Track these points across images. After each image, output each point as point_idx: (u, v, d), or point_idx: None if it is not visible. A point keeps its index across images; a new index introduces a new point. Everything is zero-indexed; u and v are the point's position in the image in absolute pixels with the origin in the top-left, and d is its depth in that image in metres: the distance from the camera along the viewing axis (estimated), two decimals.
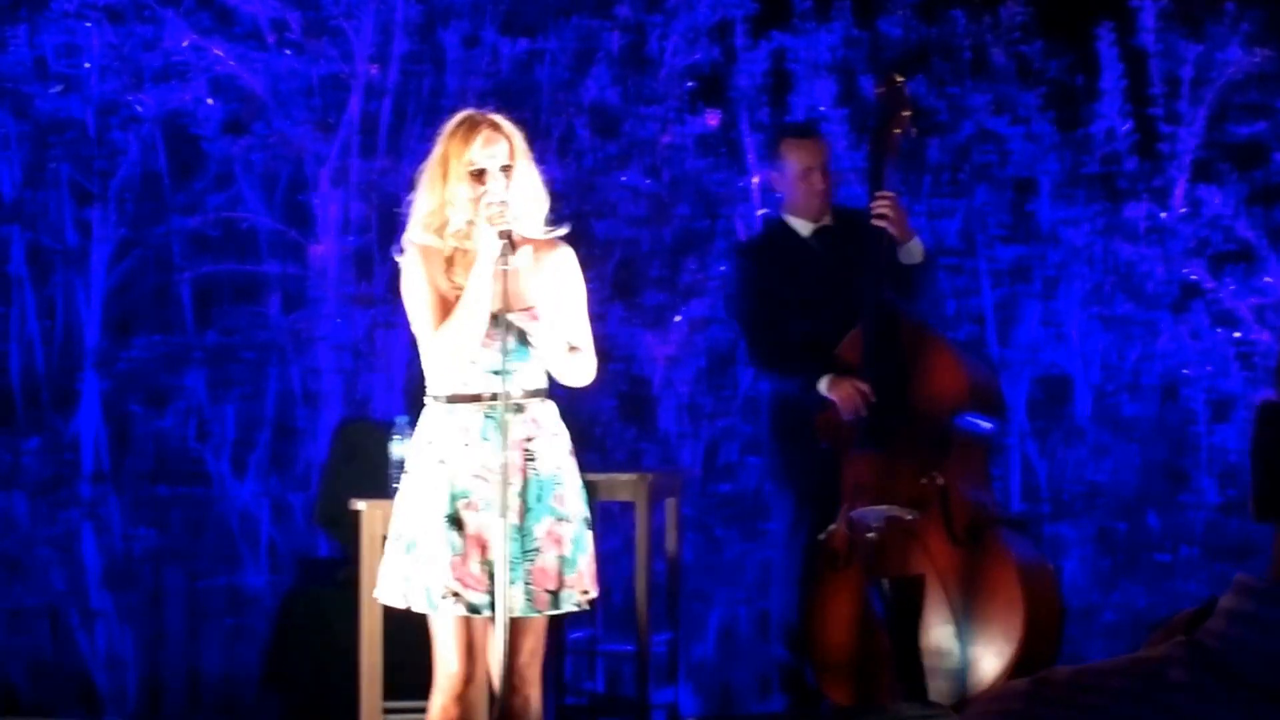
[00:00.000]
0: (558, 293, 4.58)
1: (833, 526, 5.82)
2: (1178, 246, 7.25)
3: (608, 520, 7.00)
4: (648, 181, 7.44)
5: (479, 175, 4.46)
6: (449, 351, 4.44)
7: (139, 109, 7.14)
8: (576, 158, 7.41)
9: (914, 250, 5.92)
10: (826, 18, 7.47)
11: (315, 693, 6.14)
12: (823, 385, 5.86)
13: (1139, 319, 7.26)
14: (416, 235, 4.54)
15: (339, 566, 6.19)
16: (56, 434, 7.07)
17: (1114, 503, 7.21)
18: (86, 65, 7.15)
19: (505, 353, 4.43)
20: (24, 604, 6.99)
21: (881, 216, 5.82)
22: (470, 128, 4.50)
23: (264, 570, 7.13)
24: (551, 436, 4.54)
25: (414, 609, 4.47)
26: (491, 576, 4.38)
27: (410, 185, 6.97)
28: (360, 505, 5.36)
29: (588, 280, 7.22)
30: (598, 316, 7.31)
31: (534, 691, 4.57)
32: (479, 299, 4.40)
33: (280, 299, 7.21)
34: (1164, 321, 7.24)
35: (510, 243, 4.39)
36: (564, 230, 4.64)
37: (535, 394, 4.53)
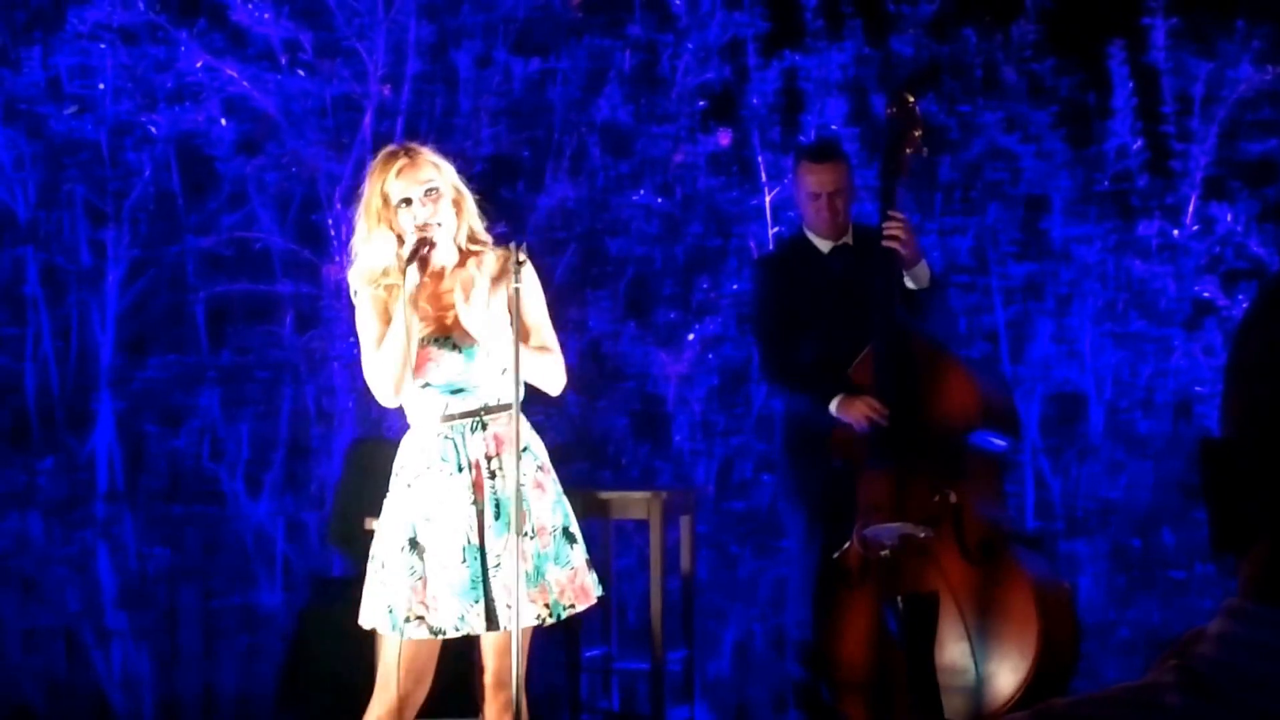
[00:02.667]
0: (522, 300, 4.48)
1: (847, 544, 5.82)
2: (1190, 264, 7.25)
3: (622, 538, 7.00)
4: (660, 200, 7.45)
5: (405, 204, 4.44)
6: (377, 374, 4.44)
7: (153, 130, 7.15)
8: (589, 176, 7.42)
9: (920, 275, 5.92)
10: (838, 36, 7.47)
11: (331, 711, 6.13)
12: (833, 407, 5.86)
13: (1152, 336, 7.25)
14: (356, 283, 4.54)
15: (353, 585, 6.19)
16: (71, 454, 7.08)
17: (1128, 520, 7.19)
18: (100, 86, 7.16)
19: (461, 373, 4.45)
20: (40, 623, 6.99)
21: (893, 238, 5.82)
22: (385, 162, 4.48)
23: (279, 589, 7.14)
24: (518, 453, 4.48)
25: (380, 632, 4.47)
26: (467, 593, 4.40)
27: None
28: (374, 524, 5.36)
29: (600, 299, 7.31)
30: (611, 335, 7.35)
31: (523, 702, 4.58)
32: (394, 332, 4.39)
33: (294, 318, 7.21)
34: (1177, 338, 7.23)
35: (424, 260, 4.38)
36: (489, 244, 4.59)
37: (495, 410, 4.50)
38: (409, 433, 4.55)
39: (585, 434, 7.28)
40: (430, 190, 4.44)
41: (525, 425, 4.53)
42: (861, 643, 5.75)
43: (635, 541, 6.99)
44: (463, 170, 7.08)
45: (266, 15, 7.17)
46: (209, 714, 7.04)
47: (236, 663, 7.05)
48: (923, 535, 5.65)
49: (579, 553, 4.58)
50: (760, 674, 7.21)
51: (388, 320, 4.47)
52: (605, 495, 6.55)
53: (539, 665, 6.62)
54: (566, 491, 6.73)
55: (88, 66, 7.17)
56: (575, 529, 4.59)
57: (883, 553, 5.67)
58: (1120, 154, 7.37)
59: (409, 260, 4.36)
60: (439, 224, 4.44)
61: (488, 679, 4.53)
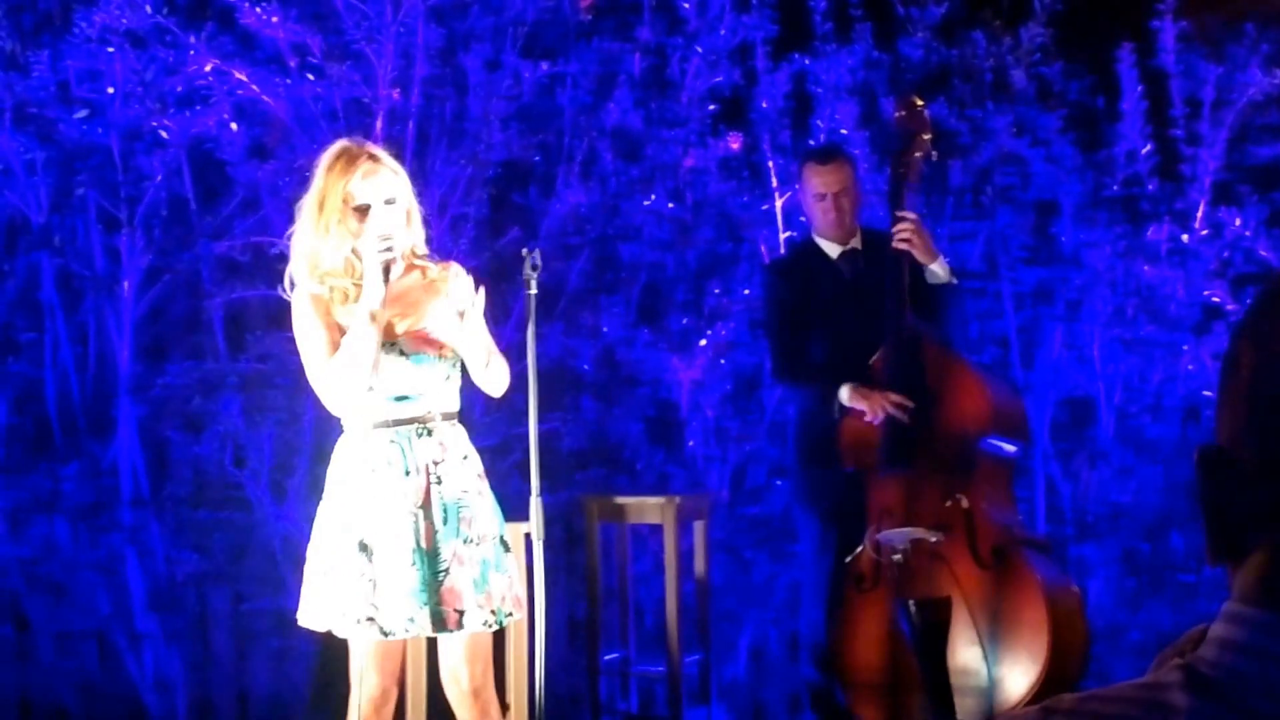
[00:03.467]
0: (461, 309, 4.50)
1: (859, 549, 5.85)
2: (1199, 268, 7.26)
3: (638, 542, 7.02)
4: (671, 205, 7.44)
5: (361, 211, 4.44)
6: (341, 383, 4.44)
7: (164, 134, 7.12)
8: (600, 181, 7.42)
9: (940, 271, 5.94)
10: (847, 40, 7.48)
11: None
12: (844, 394, 5.89)
13: (1161, 341, 7.26)
14: (301, 278, 4.53)
15: None
16: (95, 460, 7.08)
17: (1138, 524, 7.21)
18: (110, 90, 7.14)
19: (407, 379, 4.47)
20: (72, 627, 7.00)
21: (905, 240, 5.84)
22: (349, 163, 4.46)
23: None
24: (460, 460, 4.54)
25: (335, 633, 4.50)
26: (416, 594, 4.42)
27: (441, 208, 7.05)
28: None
29: (614, 305, 7.31)
30: (625, 341, 7.35)
31: (494, 709, 4.62)
32: (367, 332, 4.39)
33: None
34: (1186, 343, 7.25)
35: (386, 274, 4.39)
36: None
37: (442, 417, 4.53)
38: (345, 435, 4.57)
39: (601, 440, 7.29)
40: (390, 200, 4.45)
41: (463, 434, 4.57)
42: (875, 646, 5.78)
43: (650, 546, 7.01)
44: (476, 176, 7.16)
45: (274, 19, 7.15)
46: (243, 716, 7.05)
47: (268, 665, 7.05)
48: (934, 540, 5.68)
49: (512, 561, 4.62)
50: (775, 676, 7.23)
51: (329, 323, 4.48)
52: (620, 500, 6.58)
53: (558, 668, 6.65)
54: (583, 495, 6.78)
55: (96, 70, 7.14)
56: (508, 537, 4.62)
57: (895, 557, 5.70)
58: (1130, 158, 7.38)
59: (382, 273, 4.36)
60: (393, 235, 4.43)
61: (463, 686, 4.56)
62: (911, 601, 5.62)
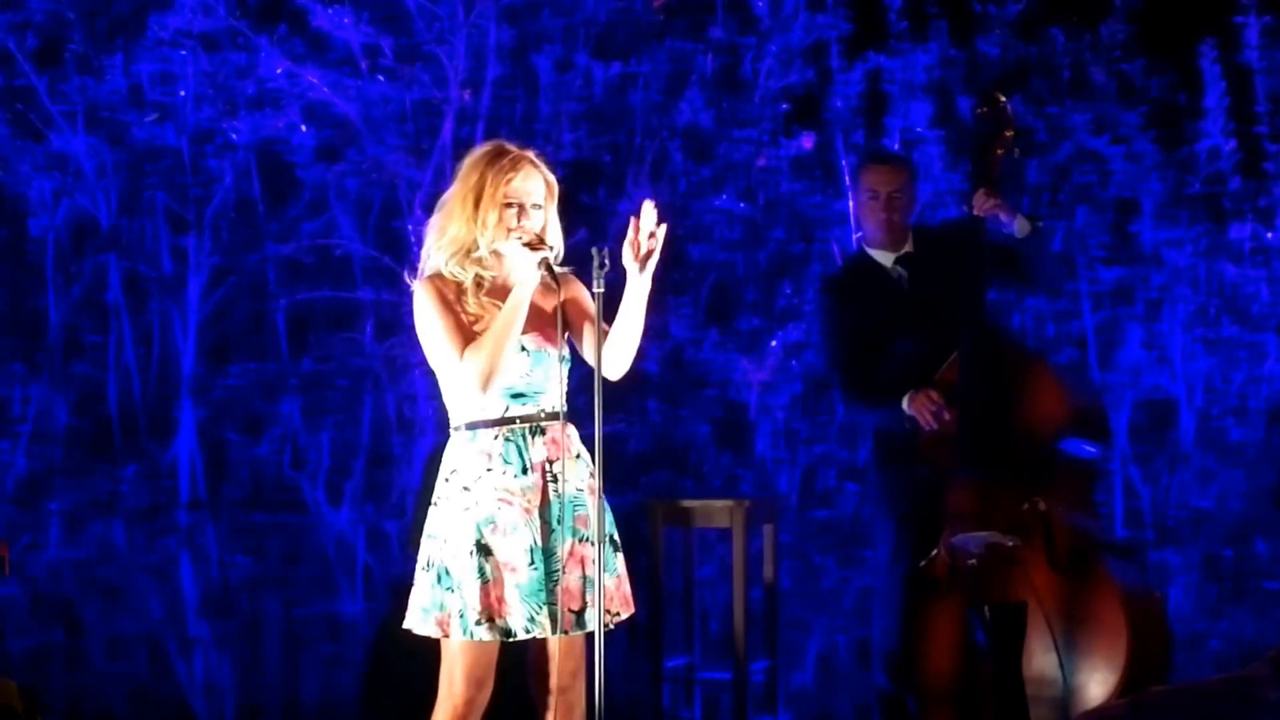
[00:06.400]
0: (590, 314, 4.53)
1: (934, 553, 5.77)
2: None
3: (704, 547, 6.99)
4: (742, 205, 7.43)
5: (515, 209, 4.49)
6: (479, 375, 4.44)
7: (233, 136, 7.17)
8: (670, 181, 7.41)
9: (1024, 225, 5.83)
10: (923, 38, 7.42)
11: None
12: (905, 403, 5.81)
13: (1244, 341, 7.19)
14: (441, 263, 4.54)
15: None
16: (154, 462, 7.12)
17: (1220, 529, 7.14)
18: (181, 93, 7.18)
19: (525, 376, 4.47)
20: (123, 631, 7.03)
21: (988, 207, 5.74)
22: (512, 163, 4.53)
23: (360, 598, 7.15)
24: (573, 458, 4.53)
25: (449, 637, 4.47)
26: (535, 595, 4.42)
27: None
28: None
29: (682, 305, 7.29)
30: (693, 342, 7.32)
31: (579, 710, 4.58)
32: (514, 323, 4.43)
33: (374, 326, 7.22)
34: (1270, 344, 7.17)
35: (550, 271, 4.44)
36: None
37: (554, 416, 4.53)
38: (457, 434, 4.55)
39: (667, 442, 7.27)
40: (537, 205, 4.53)
41: (574, 432, 4.57)
42: (948, 653, 5.70)
43: (718, 551, 6.99)
44: None
45: (346, 20, 7.19)
46: None
47: (318, 671, 7.07)
48: (1011, 544, 5.59)
49: (621, 561, 4.62)
50: (844, 685, 7.19)
51: (463, 307, 4.50)
52: (687, 504, 6.57)
53: (620, 674, 6.61)
54: (648, 499, 6.74)
55: (169, 73, 7.21)
56: (617, 536, 4.61)
57: (970, 561, 5.61)
58: (1212, 156, 7.31)
59: (537, 267, 4.40)
60: (540, 237, 4.51)
61: (552, 683, 4.55)
62: (986, 607, 5.54)
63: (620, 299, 4.44)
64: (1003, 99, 5.91)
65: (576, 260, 6.69)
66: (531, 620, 4.42)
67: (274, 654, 7.11)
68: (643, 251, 4.41)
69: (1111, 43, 7.39)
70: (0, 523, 6.91)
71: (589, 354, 4.51)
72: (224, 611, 7.07)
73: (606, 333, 4.49)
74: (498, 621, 4.42)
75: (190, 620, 7.04)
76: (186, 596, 7.05)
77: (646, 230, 4.40)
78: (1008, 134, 5.86)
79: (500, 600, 4.42)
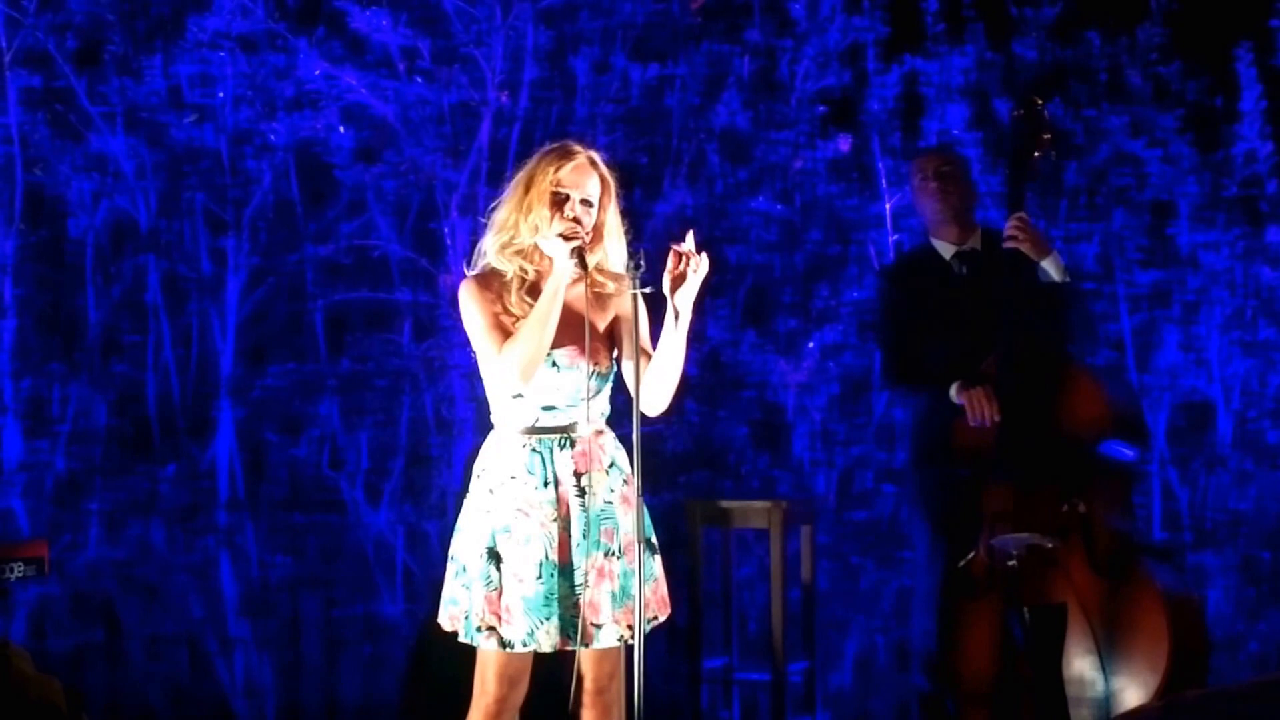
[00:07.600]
0: (639, 325, 4.49)
1: (972, 554, 5.76)
2: None
3: (742, 548, 6.98)
4: (779, 207, 7.43)
5: (561, 200, 4.45)
6: (516, 365, 4.41)
7: (272, 138, 7.18)
8: (707, 183, 7.41)
9: (1052, 270, 5.83)
10: (959, 40, 7.42)
11: None
12: (953, 391, 5.82)
13: None
14: (491, 253, 4.53)
15: None
16: (193, 462, 7.13)
17: (1258, 531, 7.13)
18: (220, 95, 7.20)
19: (555, 390, 4.45)
20: (163, 631, 7.05)
21: (1012, 238, 5.76)
22: (565, 154, 4.49)
23: (399, 599, 7.16)
24: (603, 470, 4.49)
25: (459, 636, 4.48)
26: (539, 609, 4.40)
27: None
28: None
29: (719, 307, 7.28)
30: (731, 343, 7.32)
31: (616, 712, 4.58)
32: (549, 313, 4.39)
33: (412, 327, 7.23)
34: None
35: (583, 261, 4.38)
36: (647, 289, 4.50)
37: (588, 429, 4.50)
38: (493, 435, 4.56)
39: (705, 443, 7.27)
40: (587, 201, 4.47)
41: (612, 440, 4.55)
42: (987, 654, 5.69)
43: (755, 551, 6.98)
44: None
45: (385, 22, 7.21)
46: None
47: (359, 672, 7.08)
48: (1050, 545, 5.58)
49: (658, 563, 4.59)
50: (883, 686, 7.18)
51: (505, 302, 4.47)
52: (725, 505, 6.57)
53: (658, 675, 6.60)
54: (686, 499, 6.73)
55: (208, 75, 7.21)
56: (654, 538, 4.59)
57: (1009, 563, 5.60)
58: (1249, 159, 7.30)
59: (568, 256, 4.37)
60: (586, 233, 4.46)
61: (587, 685, 4.53)
62: (1026, 609, 5.53)
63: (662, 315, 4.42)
64: (1040, 102, 5.91)
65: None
66: (530, 634, 4.40)
67: (314, 654, 7.12)
68: (679, 275, 4.36)
69: (1148, 46, 7.38)
70: (40, 522, 6.92)
71: (628, 369, 4.48)
72: (264, 611, 7.08)
73: (649, 355, 4.46)
74: (499, 631, 4.41)
75: (230, 620, 7.06)
76: (226, 596, 7.07)
77: (687, 252, 4.36)
78: (1045, 137, 5.86)
79: (504, 610, 4.41)
